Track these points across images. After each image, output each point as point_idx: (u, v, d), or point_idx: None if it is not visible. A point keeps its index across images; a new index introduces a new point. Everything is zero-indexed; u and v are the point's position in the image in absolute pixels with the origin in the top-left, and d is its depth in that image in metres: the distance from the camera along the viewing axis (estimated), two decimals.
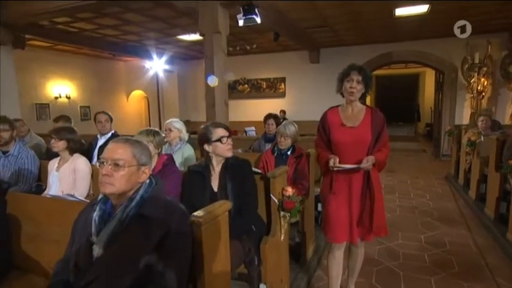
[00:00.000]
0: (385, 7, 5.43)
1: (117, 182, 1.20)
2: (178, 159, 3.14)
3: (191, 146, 3.31)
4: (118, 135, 3.79)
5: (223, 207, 1.44)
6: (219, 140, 1.97)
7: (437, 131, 8.52)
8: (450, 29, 7.01)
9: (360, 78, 1.99)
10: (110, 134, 3.68)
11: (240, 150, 3.59)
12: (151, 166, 1.38)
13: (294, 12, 5.70)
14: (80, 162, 2.61)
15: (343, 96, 2.12)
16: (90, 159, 3.63)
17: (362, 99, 2.12)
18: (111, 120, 3.69)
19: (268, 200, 2.16)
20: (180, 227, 1.22)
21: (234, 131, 8.95)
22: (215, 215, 1.38)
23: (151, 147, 2.29)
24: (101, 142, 3.66)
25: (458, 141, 5.86)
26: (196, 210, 2.01)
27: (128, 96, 11.44)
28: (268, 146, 3.78)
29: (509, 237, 3.19)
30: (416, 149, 9.78)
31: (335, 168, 2.00)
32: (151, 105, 11.48)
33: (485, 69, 7.18)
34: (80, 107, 9.53)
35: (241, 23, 4.37)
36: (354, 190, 2.08)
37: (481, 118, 4.87)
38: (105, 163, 1.22)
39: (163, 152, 3.23)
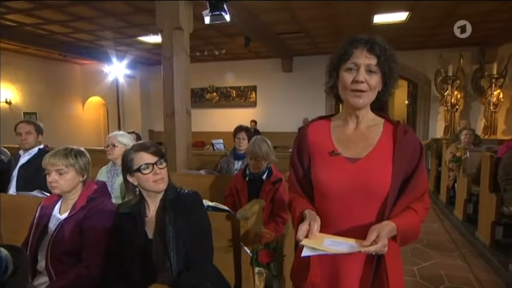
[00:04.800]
0: (364, 11, 5.09)
1: None
2: (123, 184, 2.46)
3: None
4: (48, 151, 2.99)
5: None
6: (139, 169, 1.35)
7: None
8: (425, 41, 6.93)
9: (374, 61, 1.01)
10: (36, 150, 2.87)
11: (203, 172, 2.94)
12: None
13: (267, 14, 5.21)
14: None
15: (338, 99, 1.13)
16: (7, 181, 2.83)
17: (377, 104, 1.11)
18: (39, 132, 2.90)
19: (237, 249, 1.54)
20: None
21: (201, 142, 8.34)
22: None
23: (71, 173, 1.61)
24: (23, 160, 2.85)
25: (437, 156, 5.60)
26: (126, 269, 1.34)
27: (83, 103, 10.35)
28: (238, 165, 3.19)
29: None
30: None
31: (305, 251, 0.95)
32: (110, 114, 10.46)
33: (458, 81, 7.11)
34: (24, 113, 8.36)
35: (207, 20, 3.77)
36: (349, 285, 1.06)
37: (464, 132, 4.60)
38: None
39: (103, 175, 2.58)
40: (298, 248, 1.14)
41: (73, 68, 9.99)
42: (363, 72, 1.01)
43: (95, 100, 10.52)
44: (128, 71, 9.13)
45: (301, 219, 1.05)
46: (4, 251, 0.69)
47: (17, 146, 3.39)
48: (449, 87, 7.12)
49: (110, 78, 9.17)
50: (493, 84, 6.78)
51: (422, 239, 3.81)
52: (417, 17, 5.27)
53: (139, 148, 1.39)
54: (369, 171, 1.03)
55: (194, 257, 1.36)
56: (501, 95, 6.83)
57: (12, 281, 0.65)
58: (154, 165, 1.37)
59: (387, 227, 0.96)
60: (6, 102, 7.98)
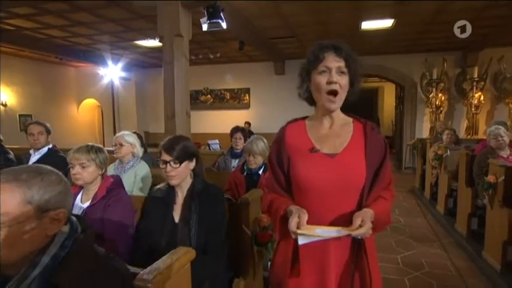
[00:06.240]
0: (352, 18, 5.39)
1: (2, 251, 0.75)
2: (130, 180, 2.67)
3: (147, 163, 2.83)
4: (57, 151, 3.19)
5: (183, 258, 1.04)
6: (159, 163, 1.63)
7: (398, 144, 8.70)
8: (411, 46, 7.26)
9: (343, 63, 1.13)
10: (46, 149, 3.07)
11: None
12: (71, 204, 0.92)
13: (260, 20, 5.46)
14: None
15: (311, 104, 1.26)
16: None
17: (345, 104, 1.22)
18: (49, 132, 3.10)
19: (238, 232, 1.77)
20: None
21: (196, 143, 8.51)
22: (171, 272, 0.97)
23: (92, 167, 1.82)
24: (34, 159, 3.04)
25: (422, 155, 5.92)
26: (154, 246, 1.58)
27: (78, 105, 10.46)
28: (235, 163, 3.42)
29: (485, 256, 3.09)
30: None
31: (301, 240, 1.03)
32: (105, 116, 10.59)
33: (442, 84, 7.47)
34: (20, 115, 8.46)
35: (205, 27, 4.00)
36: (332, 274, 1.12)
37: (446, 132, 4.92)
38: None
39: (111, 172, 2.78)
40: (280, 243, 1.24)
41: (68, 71, 10.09)
42: (335, 74, 1.12)
43: (89, 102, 10.63)
44: (123, 74, 9.27)
45: (285, 213, 1.11)
46: (73, 217, 0.92)
47: (17, 146, 3.57)
48: (434, 89, 7.48)
49: (105, 81, 9.29)
50: (474, 87, 7.16)
51: (407, 232, 4.10)
52: (402, 23, 5.58)
53: (163, 145, 1.63)
54: (346, 164, 1.13)
55: (212, 243, 1.57)
56: (482, 97, 7.21)
57: (82, 238, 0.88)
58: (167, 164, 1.59)
59: (368, 213, 1.07)
60: (2, 104, 8.06)
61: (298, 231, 1.02)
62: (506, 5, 4.70)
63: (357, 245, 1.12)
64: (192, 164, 1.66)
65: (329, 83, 1.12)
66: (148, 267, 0.94)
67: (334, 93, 1.13)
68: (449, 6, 4.83)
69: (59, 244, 0.82)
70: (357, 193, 1.12)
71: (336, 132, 1.20)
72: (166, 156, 1.59)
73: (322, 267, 1.12)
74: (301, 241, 1.03)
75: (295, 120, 1.30)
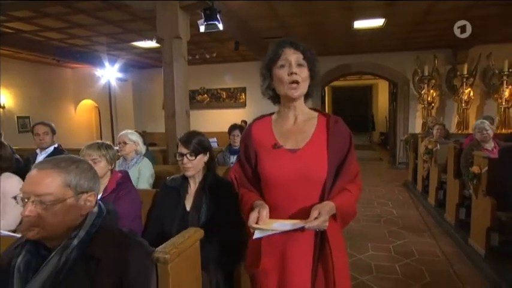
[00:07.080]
0: (344, 18, 5.55)
1: (47, 225, 0.90)
2: (134, 176, 2.81)
3: (149, 160, 2.98)
4: (62, 150, 3.33)
5: (194, 236, 1.19)
6: (175, 156, 1.77)
7: (392, 140, 8.89)
8: (402, 44, 7.44)
9: (301, 56, 1.19)
10: (52, 149, 3.21)
11: None
12: (99, 189, 1.08)
13: (255, 21, 5.61)
14: (9, 183, 2.16)
15: (275, 102, 1.31)
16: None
17: (308, 99, 1.28)
18: (54, 132, 3.23)
19: (239, 221, 1.92)
20: (139, 269, 0.95)
21: None
22: (184, 247, 1.12)
23: (103, 162, 1.97)
24: (40, 158, 3.17)
25: (414, 150, 6.11)
26: (165, 231, 1.75)
27: (76, 106, 10.54)
28: (234, 159, 3.58)
29: (471, 243, 3.27)
30: (373, 157, 10.14)
31: (257, 234, 1.09)
32: (102, 116, 10.68)
33: (433, 81, 7.67)
34: (18, 117, 8.54)
35: (202, 28, 4.14)
36: (297, 268, 1.16)
37: (436, 127, 5.11)
38: (26, 200, 0.90)
39: (117, 168, 2.92)
40: (250, 237, 1.23)
41: (65, 72, 10.15)
42: (294, 66, 1.17)
43: (87, 103, 10.71)
44: (120, 75, 9.35)
45: (252, 209, 1.14)
46: (99, 201, 1.07)
47: (15, 147, 3.68)
48: (426, 86, 7.68)
49: (102, 82, 9.38)
50: (464, 83, 7.37)
51: (399, 223, 4.28)
52: (393, 23, 5.75)
53: (180, 139, 1.79)
54: (307, 159, 1.15)
55: (219, 231, 1.68)
56: (471, 93, 7.43)
57: (108, 219, 1.03)
58: (184, 156, 1.74)
59: (327, 206, 1.10)
60: (0, 106, 8.14)
61: (254, 226, 1.07)
62: (493, 5, 4.89)
63: (320, 237, 1.16)
64: (206, 158, 1.81)
65: (290, 74, 1.16)
66: (165, 243, 1.09)
67: (296, 82, 1.17)
68: (439, 6, 4.99)
69: (91, 222, 0.97)
70: (319, 187, 1.15)
71: (300, 128, 1.23)
72: (183, 149, 1.74)
73: (285, 258, 1.16)
74: (256, 235, 1.09)
75: (262, 116, 1.36)
